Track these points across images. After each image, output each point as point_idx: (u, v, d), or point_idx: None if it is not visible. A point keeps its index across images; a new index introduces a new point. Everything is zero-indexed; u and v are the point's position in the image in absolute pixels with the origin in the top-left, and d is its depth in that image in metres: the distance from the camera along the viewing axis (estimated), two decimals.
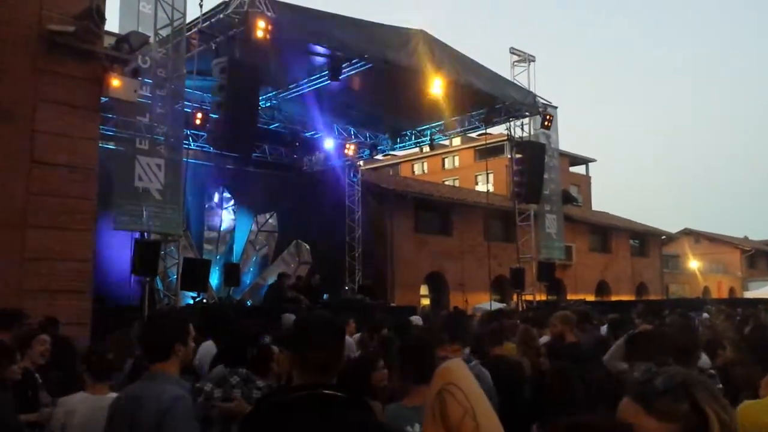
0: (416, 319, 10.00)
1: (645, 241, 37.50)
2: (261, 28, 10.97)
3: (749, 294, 31.37)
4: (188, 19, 11.53)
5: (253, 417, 2.24)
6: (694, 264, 42.73)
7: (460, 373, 1.39)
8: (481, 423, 1.32)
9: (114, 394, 3.73)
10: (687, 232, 47.24)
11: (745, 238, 52.10)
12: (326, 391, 2.16)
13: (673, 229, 45.10)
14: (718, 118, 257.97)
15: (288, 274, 17.47)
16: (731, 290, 42.45)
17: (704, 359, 5.81)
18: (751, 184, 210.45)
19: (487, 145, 32.71)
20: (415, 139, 20.38)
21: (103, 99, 9.88)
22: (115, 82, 9.39)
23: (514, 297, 19.97)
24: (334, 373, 2.28)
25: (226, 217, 18.45)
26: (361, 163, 22.63)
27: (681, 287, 40.39)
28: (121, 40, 9.64)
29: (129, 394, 2.94)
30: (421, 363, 3.15)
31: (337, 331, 2.37)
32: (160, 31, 11.09)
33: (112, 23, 11.06)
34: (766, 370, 3.04)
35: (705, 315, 12.44)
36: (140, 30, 10.25)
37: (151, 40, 10.64)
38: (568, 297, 27.33)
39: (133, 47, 9.51)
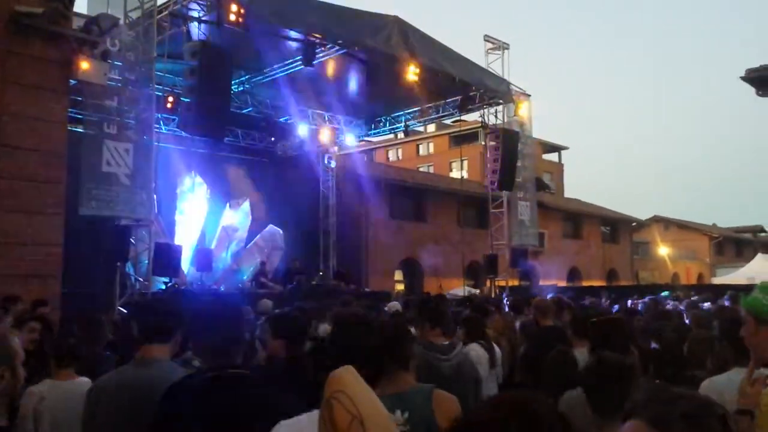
0: (394, 305, 10.00)
1: (616, 227, 38.02)
2: (233, 12, 10.87)
3: (717, 280, 32.01)
4: (159, 2, 11.38)
5: (168, 398, 2.37)
6: (663, 250, 43.43)
7: (348, 380, 1.42)
8: (369, 428, 1.36)
9: (84, 379, 3.69)
10: (657, 219, 47.91)
11: (714, 226, 53.02)
12: (231, 371, 2.36)
13: (643, 216, 45.79)
14: (688, 109, 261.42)
15: (265, 261, 17.51)
16: (700, 276, 43.23)
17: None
18: (720, 172, 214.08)
19: (462, 132, 32.87)
20: (389, 125, 20.38)
21: (72, 82, 9.75)
22: (84, 65, 9.28)
23: (488, 283, 20.15)
24: (238, 354, 2.47)
25: (199, 202, 18.29)
26: (336, 148, 22.59)
27: (651, 273, 41.06)
28: (91, 22, 9.52)
29: (135, 382, 2.78)
30: (397, 348, 3.15)
31: (234, 317, 2.55)
32: (130, 14, 10.94)
33: (81, 5, 10.92)
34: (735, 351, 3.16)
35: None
36: (110, 12, 10.12)
37: (121, 22, 10.50)
38: (540, 283, 27.64)
39: (103, 29, 9.40)
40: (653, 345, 5.55)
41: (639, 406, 1.20)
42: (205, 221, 18.48)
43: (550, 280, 28.09)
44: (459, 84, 16.34)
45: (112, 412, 2.75)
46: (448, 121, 27.83)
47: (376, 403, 1.43)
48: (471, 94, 17.45)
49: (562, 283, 29.20)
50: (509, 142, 17.72)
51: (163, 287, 12.92)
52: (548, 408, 1.21)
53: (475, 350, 5.33)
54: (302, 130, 19.56)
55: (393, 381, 2.84)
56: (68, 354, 3.73)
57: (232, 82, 13.27)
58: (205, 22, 11.31)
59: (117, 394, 2.78)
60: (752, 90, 15.89)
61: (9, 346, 2.14)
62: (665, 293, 13.44)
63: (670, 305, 11.48)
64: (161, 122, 15.34)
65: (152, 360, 2.83)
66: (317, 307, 7.73)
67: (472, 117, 21.72)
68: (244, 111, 17.62)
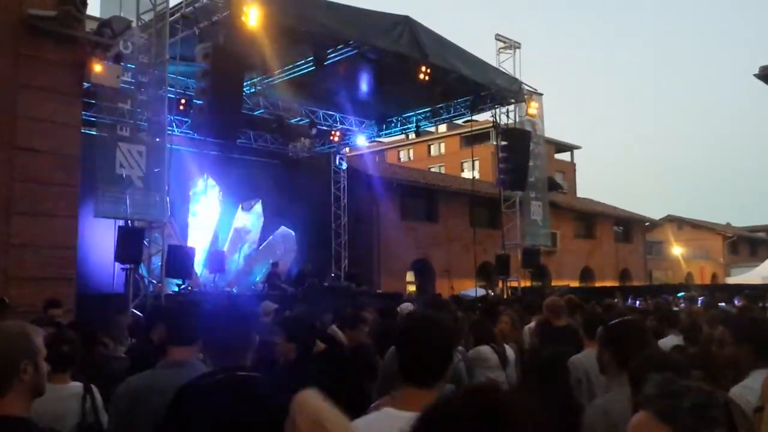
0: (407, 306, 9.98)
1: (629, 227, 37.79)
2: (245, 14, 10.88)
3: (731, 280, 31.68)
4: (171, 4, 11.43)
5: (178, 401, 2.38)
6: (677, 250, 43.10)
7: (308, 396, 1.51)
8: (331, 429, 1.42)
9: (76, 384, 3.71)
10: (670, 219, 47.59)
11: (728, 225, 52.60)
12: (241, 373, 2.38)
13: (657, 215, 45.49)
14: (697, 107, 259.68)
15: (277, 262, 17.50)
16: (714, 276, 42.89)
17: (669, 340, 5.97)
18: (734, 171, 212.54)
19: (473, 132, 32.77)
20: (401, 125, 20.35)
21: (86, 85, 9.79)
22: (98, 68, 9.31)
23: (500, 283, 20.08)
24: (248, 355, 2.51)
25: (211, 204, 18.36)
26: (347, 149, 22.58)
27: (664, 273, 40.77)
28: (103, 24, 9.55)
29: (173, 384, 2.70)
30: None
31: (243, 318, 2.59)
32: (143, 16, 10.99)
33: (94, 8, 10.96)
34: (756, 352, 3.12)
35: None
36: (122, 15, 10.15)
37: (134, 25, 10.54)
38: (553, 283, 27.53)
39: (116, 32, 9.42)
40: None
41: (648, 399, 1.24)
42: (217, 223, 18.55)
43: (563, 280, 27.98)
44: (470, 84, 16.28)
45: (151, 415, 2.73)
46: (459, 121, 27.73)
47: (336, 414, 1.50)
48: (482, 93, 17.37)
49: (575, 283, 29.06)
50: (521, 142, 17.65)
51: (176, 289, 12.96)
52: (518, 407, 1.17)
53: (483, 353, 5.48)
54: (313, 131, 19.57)
55: None
56: (62, 360, 3.76)
57: (244, 84, 13.29)
58: (217, 23, 11.33)
59: (156, 396, 2.73)
60: (765, 87, 15.75)
61: (31, 341, 2.18)
62: (681, 294, 13.32)
63: (683, 305, 11.40)
64: (174, 124, 15.40)
65: (183, 362, 2.83)
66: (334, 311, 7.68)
67: (484, 117, 21.67)
68: (256, 113, 17.65)
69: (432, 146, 47.61)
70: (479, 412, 1.13)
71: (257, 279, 18.35)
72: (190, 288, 13.66)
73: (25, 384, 2.13)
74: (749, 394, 2.82)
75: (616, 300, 13.67)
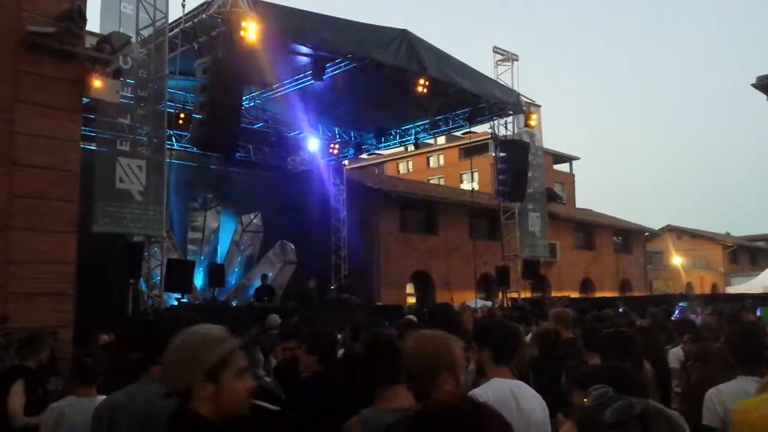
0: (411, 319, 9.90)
1: (628, 237, 37.78)
2: (244, 28, 10.94)
3: (731, 289, 31.62)
4: (170, 20, 11.49)
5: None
6: (677, 260, 43.06)
7: None
8: None
9: (102, 397, 3.72)
10: (670, 229, 47.57)
11: (727, 234, 52.58)
12: None
13: (656, 225, 45.46)
14: (700, 116, 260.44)
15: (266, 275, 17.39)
16: (714, 286, 42.84)
17: (677, 353, 5.95)
18: (733, 180, 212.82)
19: (472, 144, 32.85)
20: (399, 138, 20.41)
21: (85, 100, 9.80)
22: (97, 83, 9.31)
23: (500, 295, 20.06)
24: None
25: (211, 218, 18.35)
26: (346, 162, 22.62)
27: (664, 283, 40.70)
28: (103, 40, 9.55)
29: (138, 397, 2.81)
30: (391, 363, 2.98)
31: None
32: (142, 32, 11.03)
33: (93, 23, 11.00)
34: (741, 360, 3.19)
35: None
36: (121, 30, 10.18)
37: (133, 40, 10.57)
38: (553, 294, 27.49)
39: (115, 48, 9.43)
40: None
41: (576, 409, 1.45)
42: (217, 236, 18.54)
43: (563, 291, 27.93)
44: (468, 96, 16.34)
45: (127, 428, 2.74)
46: (458, 133, 27.81)
47: None
48: (480, 105, 17.43)
49: (575, 294, 29.01)
50: (519, 153, 17.70)
51: (176, 303, 12.94)
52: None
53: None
54: (312, 144, 19.62)
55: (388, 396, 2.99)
56: (87, 372, 3.78)
57: (243, 98, 13.33)
58: (216, 38, 11.38)
59: (132, 410, 2.77)
60: (764, 97, 15.80)
61: (454, 354, 2.34)
62: (683, 303, 13.25)
63: (693, 316, 11.32)
64: (173, 138, 15.43)
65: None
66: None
67: (482, 128, 21.76)
68: (256, 126, 17.71)
69: (431, 158, 47.71)
70: None
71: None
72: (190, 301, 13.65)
73: (444, 394, 2.19)
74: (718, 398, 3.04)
75: (621, 310, 13.58)
